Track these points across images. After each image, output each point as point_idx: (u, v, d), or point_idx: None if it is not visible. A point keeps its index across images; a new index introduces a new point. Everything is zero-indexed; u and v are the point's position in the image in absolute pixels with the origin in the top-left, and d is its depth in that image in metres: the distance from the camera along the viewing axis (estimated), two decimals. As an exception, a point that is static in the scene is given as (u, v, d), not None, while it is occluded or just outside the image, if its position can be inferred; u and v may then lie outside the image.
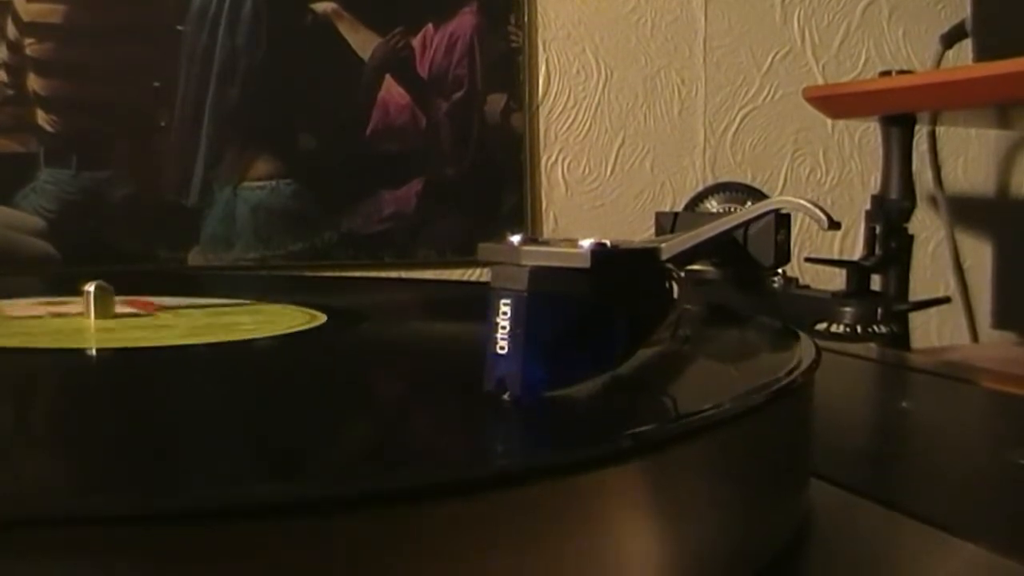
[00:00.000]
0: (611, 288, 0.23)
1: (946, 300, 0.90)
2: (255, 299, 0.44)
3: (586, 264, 0.22)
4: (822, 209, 0.26)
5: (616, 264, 0.23)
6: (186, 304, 0.42)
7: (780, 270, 0.46)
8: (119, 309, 0.38)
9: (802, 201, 0.27)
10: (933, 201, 1.07)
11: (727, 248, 0.37)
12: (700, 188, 0.83)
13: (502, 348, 0.21)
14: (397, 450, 0.20)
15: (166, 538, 0.15)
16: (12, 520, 0.14)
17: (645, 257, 0.26)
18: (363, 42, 0.90)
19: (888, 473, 0.32)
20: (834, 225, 0.26)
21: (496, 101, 0.93)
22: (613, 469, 0.18)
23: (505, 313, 0.21)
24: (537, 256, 0.22)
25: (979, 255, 1.12)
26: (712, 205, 0.58)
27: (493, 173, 0.94)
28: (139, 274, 0.79)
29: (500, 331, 0.21)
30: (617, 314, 0.23)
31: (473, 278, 0.89)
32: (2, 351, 0.32)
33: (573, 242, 0.22)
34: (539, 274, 0.21)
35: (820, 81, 1.03)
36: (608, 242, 0.23)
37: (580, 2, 0.97)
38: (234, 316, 0.40)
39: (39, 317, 0.38)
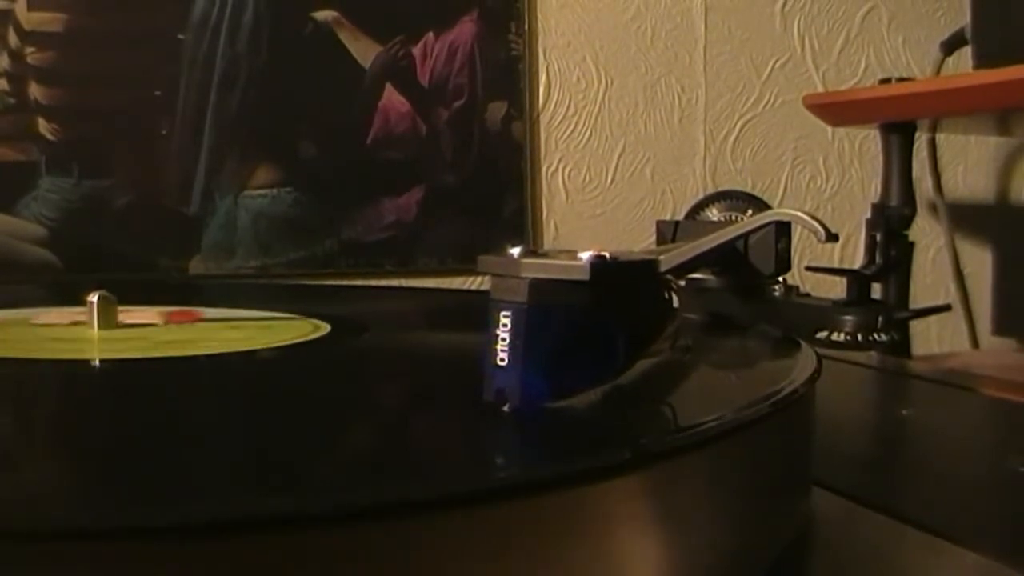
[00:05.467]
0: (610, 299, 0.23)
1: (946, 308, 0.89)
2: (259, 308, 0.44)
3: (585, 276, 0.22)
4: (819, 221, 0.26)
5: (615, 276, 0.23)
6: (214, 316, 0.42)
7: (781, 278, 0.47)
8: (153, 319, 0.38)
9: (799, 213, 0.27)
10: (933, 208, 1.07)
11: (727, 257, 0.37)
12: (701, 196, 0.83)
13: (502, 360, 0.21)
14: (396, 463, 0.20)
15: (165, 552, 0.15)
16: (9, 531, 0.15)
17: (644, 268, 0.26)
18: (364, 50, 0.90)
19: (889, 481, 0.32)
20: (831, 237, 0.26)
21: (497, 109, 0.93)
22: (613, 481, 0.18)
23: (505, 325, 0.21)
24: (536, 268, 0.22)
25: (979, 262, 1.12)
26: (713, 213, 0.58)
27: (494, 181, 0.94)
28: (140, 282, 0.79)
29: (500, 343, 0.21)
30: (617, 325, 0.23)
31: (474, 286, 0.89)
32: (6, 361, 0.32)
33: (572, 254, 0.22)
34: (539, 286, 0.21)
35: (820, 88, 1.04)
36: (607, 254, 0.23)
37: (580, 10, 0.97)
38: (235, 326, 0.40)
39: (53, 325, 0.38)
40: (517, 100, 0.94)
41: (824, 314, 0.55)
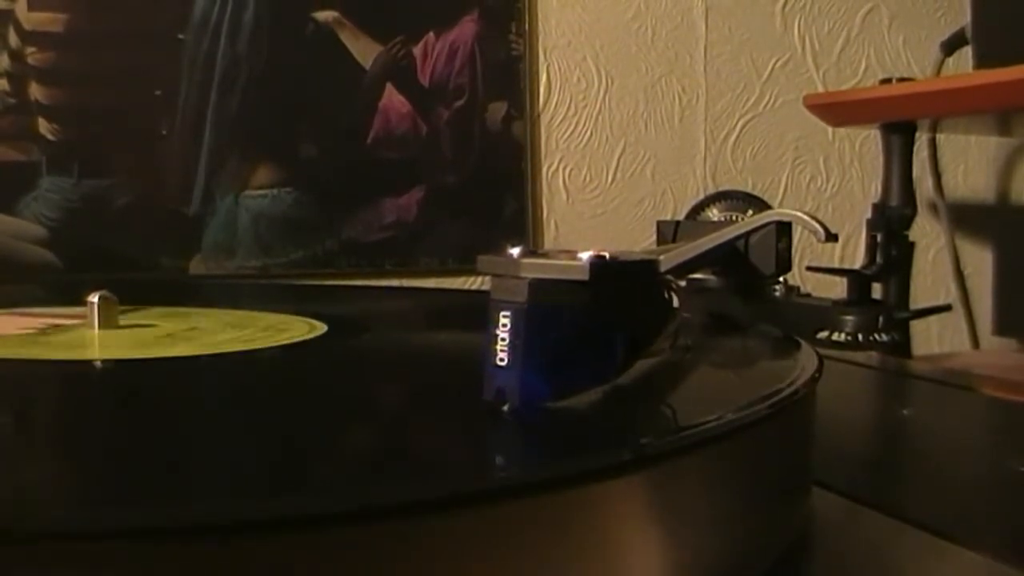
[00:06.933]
0: (610, 300, 0.23)
1: (947, 308, 0.89)
2: (256, 308, 0.44)
3: (585, 276, 0.22)
4: (819, 221, 0.26)
5: (615, 276, 0.23)
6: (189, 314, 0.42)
7: (781, 279, 0.47)
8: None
9: (799, 213, 0.27)
10: (933, 208, 1.07)
11: (728, 257, 0.37)
12: (701, 196, 0.83)
13: (501, 360, 0.21)
14: (395, 464, 0.20)
15: (165, 552, 0.15)
16: (9, 531, 0.15)
17: (644, 269, 0.26)
18: (364, 50, 0.90)
19: (890, 481, 0.32)
20: (831, 237, 0.26)
21: (497, 109, 0.93)
22: (613, 481, 0.18)
23: (504, 325, 0.21)
24: (536, 268, 0.22)
25: (980, 262, 1.12)
26: (713, 214, 0.58)
27: (494, 181, 0.94)
28: (140, 282, 0.79)
29: (499, 343, 0.21)
30: (616, 325, 0.23)
31: (474, 286, 0.89)
32: (5, 362, 0.32)
33: (572, 254, 0.22)
34: (538, 286, 0.21)
35: (820, 89, 1.04)
36: (607, 254, 0.23)
37: (581, 10, 0.97)
38: (236, 326, 0.40)
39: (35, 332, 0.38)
40: (517, 100, 0.94)
41: (825, 314, 0.55)
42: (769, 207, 0.64)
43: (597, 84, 0.98)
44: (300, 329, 0.37)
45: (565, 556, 0.18)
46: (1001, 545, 0.25)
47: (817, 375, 0.27)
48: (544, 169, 0.96)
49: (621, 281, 0.24)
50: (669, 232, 0.40)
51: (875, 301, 0.66)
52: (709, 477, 0.21)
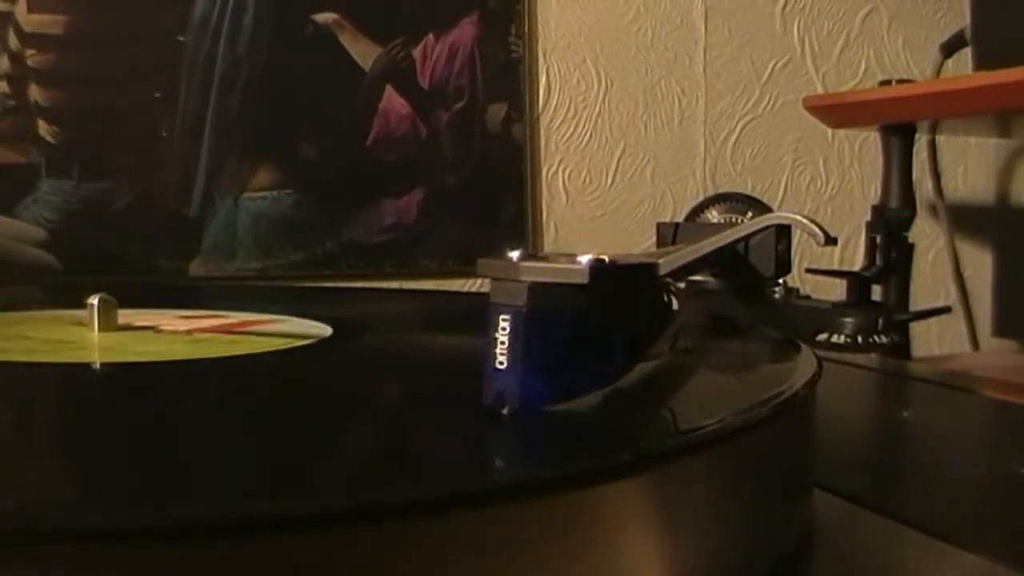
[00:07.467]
0: (610, 303, 0.23)
1: (947, 310, 0.89)
2: (257, 310, 0.44)
3: (584, 280, 0.22)
4: (818, 225, 0.26)
5: (614, 279, 0.23)
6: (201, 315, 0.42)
7: (781, 280, 0.47)
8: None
9: (799, 217, 0.27)
10: (933, 210, 1.07)
11: (728, 259, 0.37)
12: (701, 198, 0.83)
13: (501, 363, 0.21)
14: (395, 464, 0.20)
15: (165, 552, 0.15)
16: (9, 532, 0.15)
17: (643, 272, 0.26)
18: (364, 52, 0.90)
19: (890, 483, 0.32)
20: (830, 241, 0.26)
21: (497, 111, 0.93)
22: (613, 484, 0.18)
23: (504, 328, 0.21)
24: (536, 272, 0.22)
25: (979, 263, 1.12)
26: (713, 215, 0.58)
27: (494, 183, 0.94)
28: (140, 284, 0.79)
29: (499, 346, 0.21)
30: (616, 328, 0.23)
31: (474, 288, 0.89)
32: (6, 364, 0.32)
33: (572, 257, 0.22)
34: (538, 289, 0.21)
35: (820, 90, 1.04)
36: (606, 257, 0.23)
37: (581, 12, 0.97)
38: (236, 328, 0.40)
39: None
40: (517, 102, 0.94)
41: (824, 316, 0.55)
42: (769, 209, 0.64)
43: (597, 86, 0.98)
44: (303, 332, 0.37)
45: (565, 557, 0.18)
46: (1001, 547, 0.25)
47: (816, 377, 0.27)
48: (544, 171, 0.96)
49: (620, 284, 0.24)
50: (669, 234, 0.40)
51: (875, 303, 0.66)
52: (709, 479, 0.21)
